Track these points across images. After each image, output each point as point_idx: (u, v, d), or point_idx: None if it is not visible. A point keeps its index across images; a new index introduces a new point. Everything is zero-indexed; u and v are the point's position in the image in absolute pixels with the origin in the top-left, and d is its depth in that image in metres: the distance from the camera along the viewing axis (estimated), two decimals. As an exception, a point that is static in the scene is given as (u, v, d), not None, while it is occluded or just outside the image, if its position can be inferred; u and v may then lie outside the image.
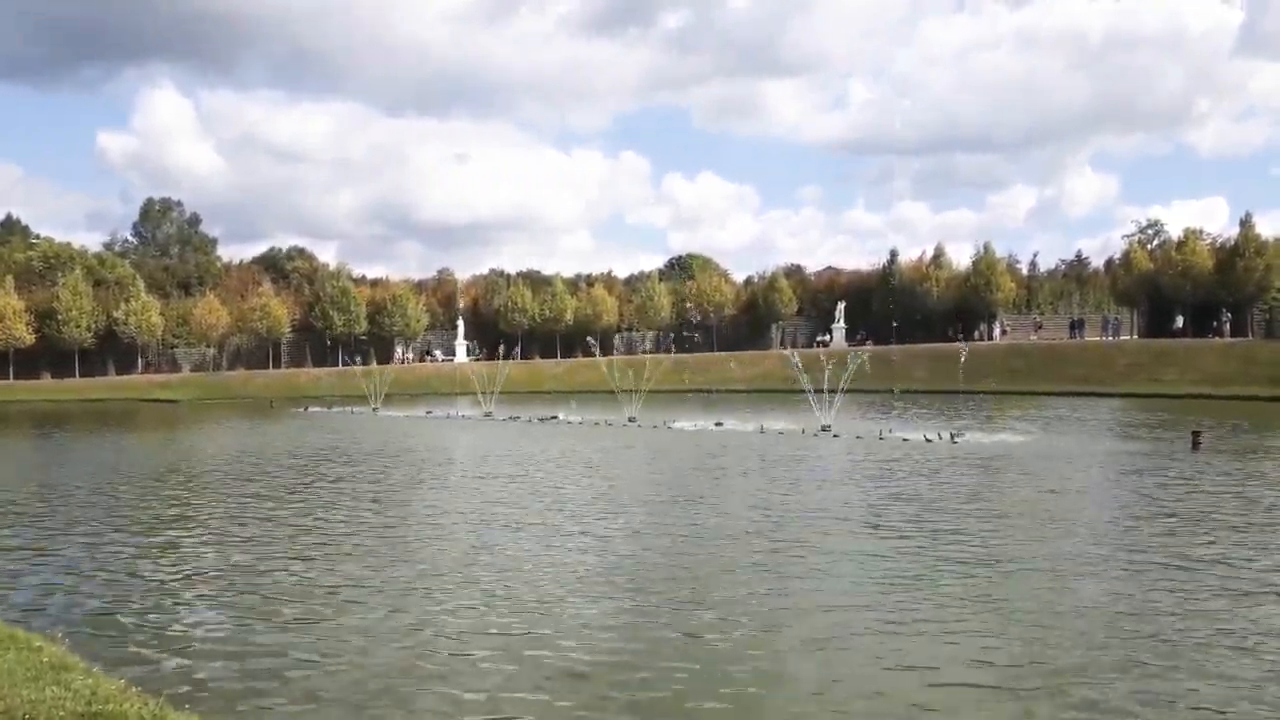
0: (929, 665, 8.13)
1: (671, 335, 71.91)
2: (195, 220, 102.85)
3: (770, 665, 8.27)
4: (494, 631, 9.25)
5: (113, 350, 66.39)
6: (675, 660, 8.36)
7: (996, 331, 65.24)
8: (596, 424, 33.08)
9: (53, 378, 64.19)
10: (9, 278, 65.78)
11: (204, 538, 14.17)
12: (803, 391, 31.84)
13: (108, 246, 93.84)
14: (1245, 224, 55.89)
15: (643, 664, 8.28)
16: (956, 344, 51.74)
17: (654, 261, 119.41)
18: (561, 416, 35.51)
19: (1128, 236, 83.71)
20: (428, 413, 40.29)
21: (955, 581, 10.76)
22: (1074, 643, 8.66)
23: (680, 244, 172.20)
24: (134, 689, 6.67)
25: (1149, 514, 14.82)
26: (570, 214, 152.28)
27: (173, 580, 11.58)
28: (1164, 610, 9.63)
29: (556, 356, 66.87)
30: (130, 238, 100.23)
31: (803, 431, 28.05)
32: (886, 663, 8.23)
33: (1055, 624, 9.16)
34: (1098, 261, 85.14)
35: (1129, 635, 8.89)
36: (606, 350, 71.07)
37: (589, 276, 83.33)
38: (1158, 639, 8.76)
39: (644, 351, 70.46)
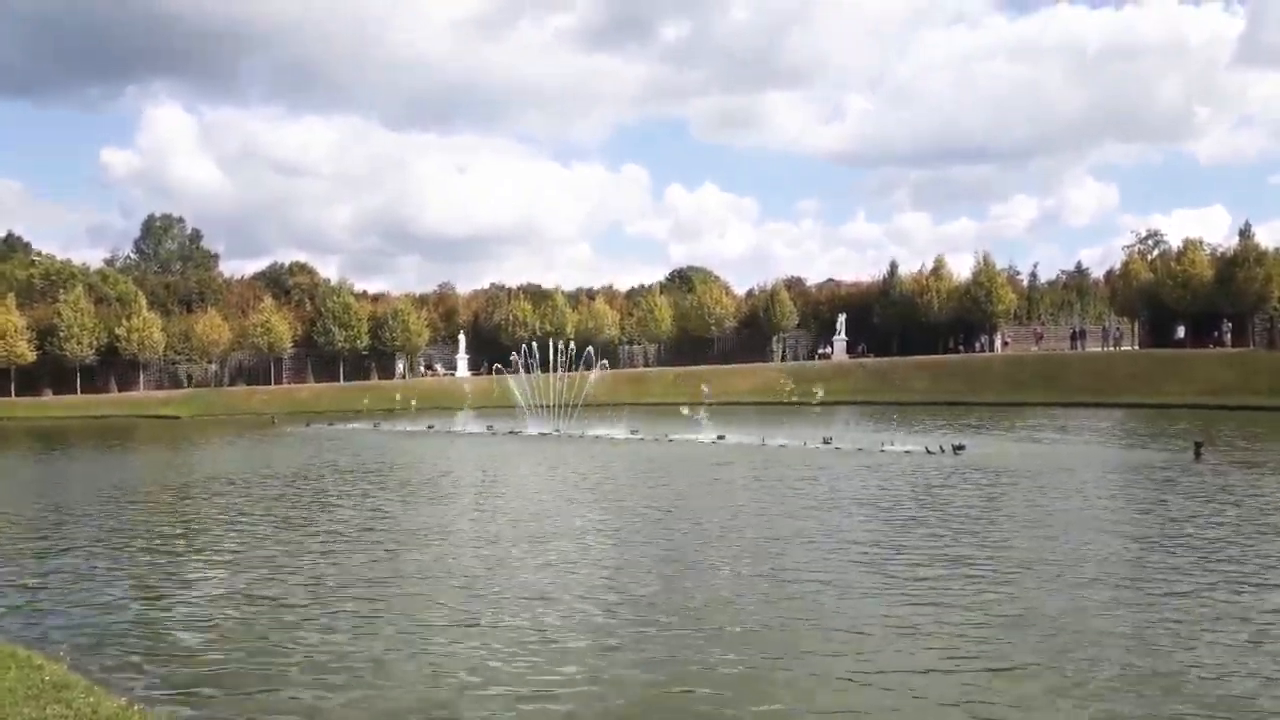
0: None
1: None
2: (196, 236, 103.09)
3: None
4: (502, 673, 9.14)
5: (114, 367, 66.43)
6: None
7: (998, 343, 65.23)
8: (598, 438, 33.04)
9: (54, 394, 64.19)
10: (10, 295, 65.87)
11: (207, 555, 14.16)
12: (805, 403, 31.85)
13: (109, 263, 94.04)
14: (1245, 234, 55.98)
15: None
16: (953, 354, 51.75)
17: (654, 273, 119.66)
18: (559, 431, 35.44)
19: (1127, 247, 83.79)
20: (429, 428, 40.25)
21: (973, 610, 10.70)
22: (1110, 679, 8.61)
23: (680, 255, 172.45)
24: (135, 707, 6.67)
25: (1154, 530, 14.79)
26: (571, 226, 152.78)
27: (174, 598, 11.56)
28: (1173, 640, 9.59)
29: (556, 370, 66.82)
30: (132, 254, 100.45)
31: (804, 444, 28.02)
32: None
33: (1077, 662, 9.03)
34: (1098, 272, 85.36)
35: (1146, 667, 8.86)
36: (609, 364, 71.26)
37: (590, 290, 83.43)
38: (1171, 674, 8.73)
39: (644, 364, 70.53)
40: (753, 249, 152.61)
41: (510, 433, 36.20)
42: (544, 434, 35.04)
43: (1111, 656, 8.64)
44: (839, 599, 10.69)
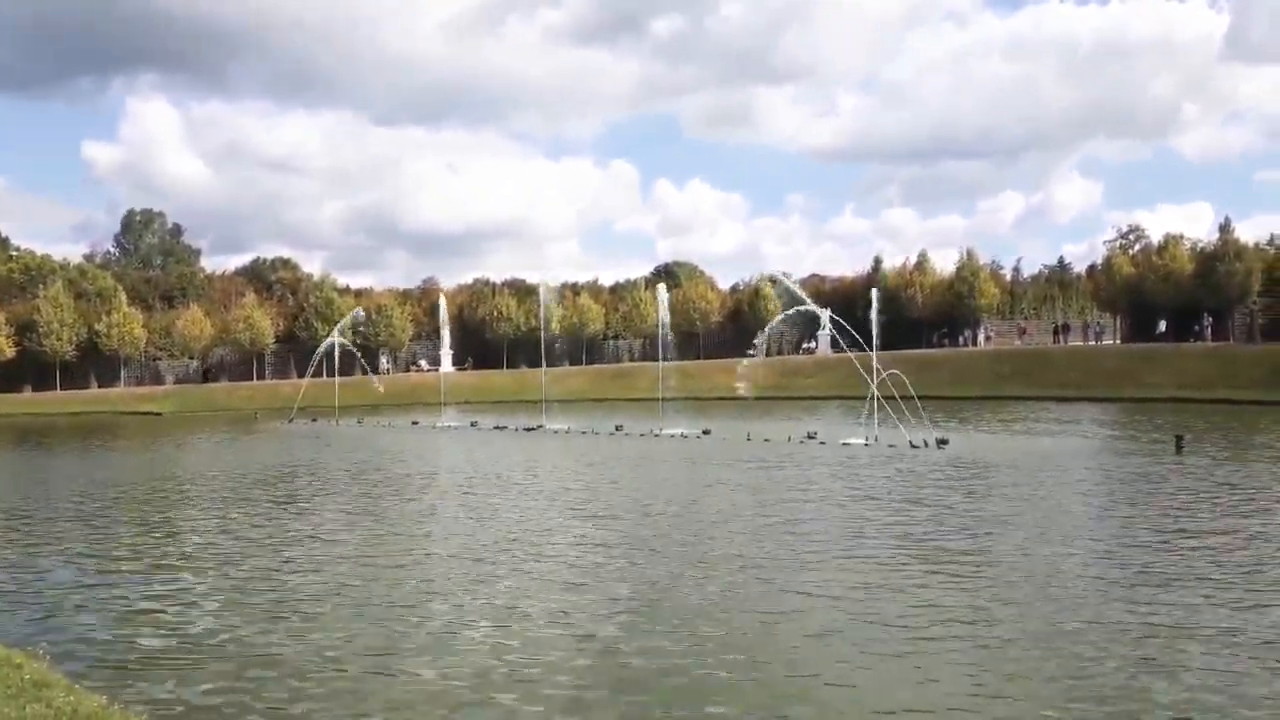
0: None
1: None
2: (177, 231, 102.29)
3: None
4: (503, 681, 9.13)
5: (94, 363, 65.77)
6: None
7: (981, 337, 65.53)
8: (584, 433, 33.01)
9: (34, 391, 63.56)
10: (-11, 290, 65.17)
11: (192, 553, 14.06)
12: (796, 398, 31.85)
13: (89, 258, 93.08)
14: (1225, 229, 56.42)
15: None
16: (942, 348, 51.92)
17: (642, 269, 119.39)
18: (546, 426, 35.41)
19: (1109, 242, 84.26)
20: (414, 423, 40.14)
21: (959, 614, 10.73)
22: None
23: (669, 251, 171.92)
24: (116, 705, 6.61)
25: (1137, 524, 14.91)
26: (560, 222, 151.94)
27: (155, 597, 11.47)
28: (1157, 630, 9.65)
29: (543, 365, 66.79)
30: (112, 249, 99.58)
31: (789, 439, 28.09)
32: None
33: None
34: (1082, 266, 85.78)
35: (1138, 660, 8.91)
36: (593, 359, 71.25)
37: (575, 285, 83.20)
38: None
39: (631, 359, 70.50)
40: (742, 245, 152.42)
41: (496, 428, 36.13)
42: (529, 429, 34.98)
43: (1105, 664, 8.69)
44: (822, 600, 10.72)
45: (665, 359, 41.37)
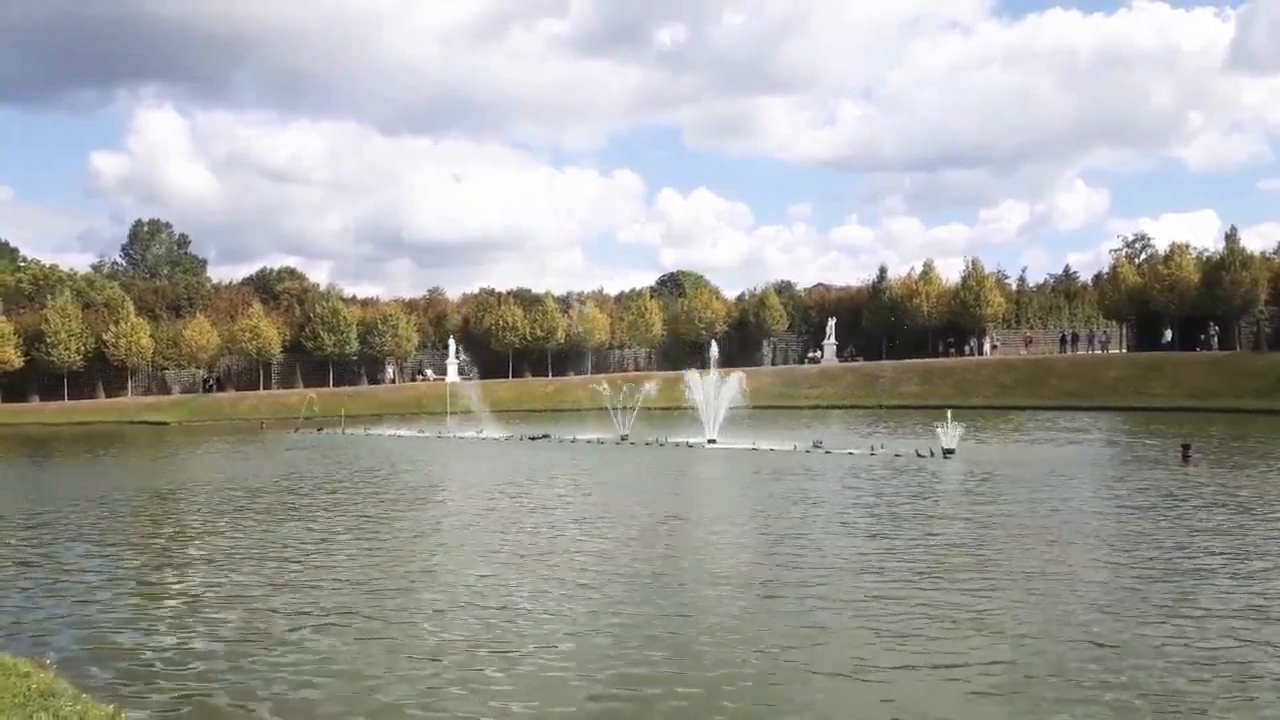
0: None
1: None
2: (184, 241, 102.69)
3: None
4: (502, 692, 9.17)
5: (102, 373, 66.00)
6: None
7: (987, 347, 65.44)
8: (589, 442, 33.04)
9: (42, 400, 63.79)
10: (-3, 301, 65.41)
11: (196, 563, 14.10)
12: (801, 408, 31.84)
13: (96, 268, 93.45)
14: (1231, 238, 56.34)
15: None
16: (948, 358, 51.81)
17: (645, 278, 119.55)
18: (552, 435, 35.45)
19: (1114, 251, 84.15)
20: (420, 433, 40.18)
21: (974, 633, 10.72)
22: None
23: (672, 261, 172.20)
24: (123, 715, 6.64)
25: (1146, 535, 14.88)
26: (563, 232, 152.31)
27: (164, 606, 11.51)
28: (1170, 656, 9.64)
29: (548, 375, 66.83)
30: (119, 259, 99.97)
31: (795, 448, 28.07)
32: None
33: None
34: (1087, 276, 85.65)
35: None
36: (598, 368, 71.25)
37: (579, 294, 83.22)
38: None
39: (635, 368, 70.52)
40: (746, 254, 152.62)
41: (504, 438, 36.16)
42: (534, 438, 35.01)
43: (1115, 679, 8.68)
44: (831, 614, 10.72)
45: (705, 366, 41.49)
